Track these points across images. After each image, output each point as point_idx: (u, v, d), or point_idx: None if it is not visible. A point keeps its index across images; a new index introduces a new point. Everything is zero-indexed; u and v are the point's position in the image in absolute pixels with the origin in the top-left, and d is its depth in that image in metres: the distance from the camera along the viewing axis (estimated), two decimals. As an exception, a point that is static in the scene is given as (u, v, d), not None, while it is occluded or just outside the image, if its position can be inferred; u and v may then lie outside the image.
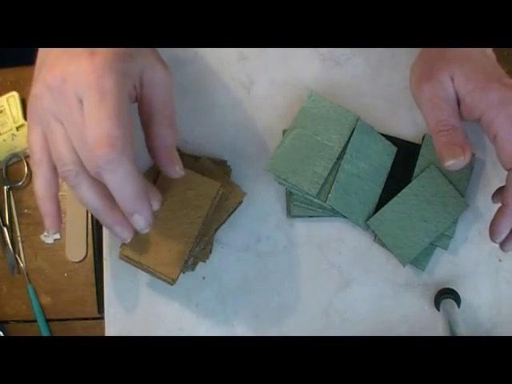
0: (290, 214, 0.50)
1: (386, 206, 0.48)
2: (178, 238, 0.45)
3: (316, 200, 0.48)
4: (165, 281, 0.46)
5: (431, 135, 0.43)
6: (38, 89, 0.38)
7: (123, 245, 0.48)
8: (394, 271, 0.50)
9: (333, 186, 0.47)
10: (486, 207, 0.50)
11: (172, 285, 0.46)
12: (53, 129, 0.37)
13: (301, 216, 0.50)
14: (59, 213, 0.40)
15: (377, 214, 0.48)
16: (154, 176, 0.48)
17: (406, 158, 0.50)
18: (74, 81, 0.36)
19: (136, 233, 0.46)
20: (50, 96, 0.37)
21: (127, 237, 0.40)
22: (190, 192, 0.46)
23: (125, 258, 0.46)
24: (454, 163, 0.41)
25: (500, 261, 0.49)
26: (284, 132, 0.51)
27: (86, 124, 0.35)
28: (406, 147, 0.51)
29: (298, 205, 0.49)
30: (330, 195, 0.47)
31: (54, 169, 0.39)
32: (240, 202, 0.50)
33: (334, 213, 0.49)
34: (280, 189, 0.51)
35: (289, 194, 0.50)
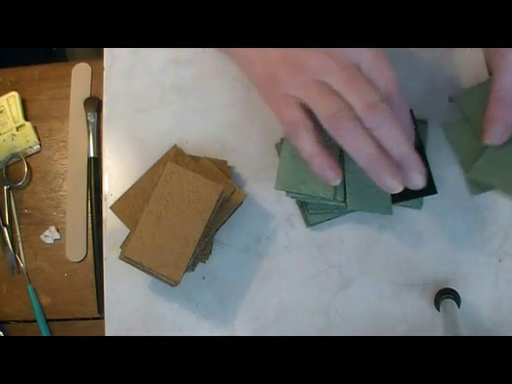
0: (308, 223, 0.50)
1: (482, 159, 0.47)
2: (181, 241, 0.45)
3: (332, 202, 0.47)
4: (167, 282, 0.46)
5: None
6: (284, 67, 0.43)
7: (124, 245, 0.48)
8: (394, 271, 0.50)
9: (346, 190, 0.47)
10: (487, 207, 0.50)
11: (174, 286, 0.46)
12: (315, 89, 0.41)
13: (319, 222, 0.50)
14: (336, 161, 0.42)
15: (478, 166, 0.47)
16: (156, 178, 0.48)
17: None
18: (348, 52, 0.42)
19: (137, 233, 0.46)
20: (311, 67, 0.42)
21: (397, 187, 0.41)
22: (193, 195, 0.46)
23: (126, 258, 0.46)
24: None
25: (500, 261, 0.49)
26: (277, 146, 0.51)
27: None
28: None
29: (313, 213, 0.49)
30: (347, 200, 0.47)
31: (315, 130, 0.42)
32: (240, 203, 0.50)
33: (351, 210, 0.49)
34: (280, 189, 0.51)
35: (302, 206, 0.50)
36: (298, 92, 0.42)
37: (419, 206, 0.49)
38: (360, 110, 0.40)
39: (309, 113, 0.42)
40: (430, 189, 0.49)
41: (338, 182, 0.42)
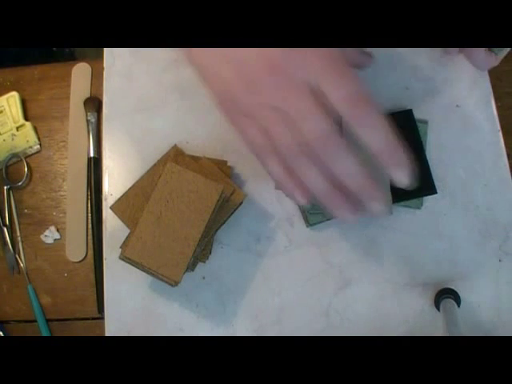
0: (308, 223, 0.50)
1: None
2: (181, 241, 0.45)
3: None
4: (167, 282, 0.46)
5: None
6: (239, 86, 0.39)
7: (124, 245, 0.48)
8: (394, 271, 0.50)
9: None
10: (486, 207, 0.50)
11: (174, 286, 0.46)
12: (269, 116, 0.39)
13: (319, 222, 0.50)
14: (304, 184, 0.40)
15: None
16: (156, 178, 0.48)
17: (401, 126, 0.50)
18: (302, 68, 0.37)
19: (137, 234, 0.46)
20: (266, 89, 0.38)
21: (350, 217, 0.40)
22: (193, 195, 0.46)
23: (126, 258, 0.46)
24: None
25: (500, 261, 0.49)
26: None
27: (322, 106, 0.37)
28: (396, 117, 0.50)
29: (313, 213, 0.49)
30: None
31: (279, 153, 0.40)
32: (240, 203, 0.50)
33: None
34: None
35: (302, 206, 0.50)
36: (255, 115, 0.40)
37: (419, 206, 0.49)
38: (311, 143, 0.38)
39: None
40: (429, 189, 0.49)
41: (306, 203, 0.41)
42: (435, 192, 0.49)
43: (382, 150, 0.37)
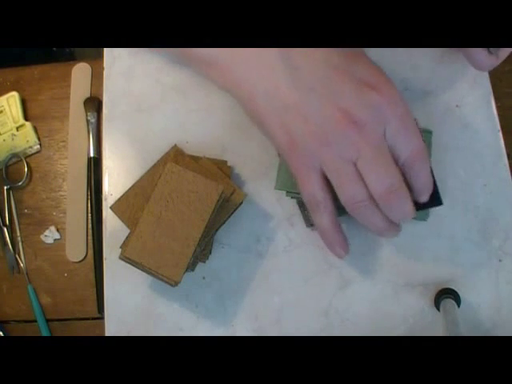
0: (309, 223, 0.49)
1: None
2: (182, 241, 0.45)
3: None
4: (167, 282, 0.46)
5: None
6: (309, 137, 0.41)
7: (124, 245, 0.48)
8: (394, 271, 0.50)
9: None
10: (486, 207, 0.50)
11: (174, 286, 0.46)
12: (342, 169, 0.41)
13: None
14: (346, 238, 0.46)
15: None
16: (156, 178, 0.48)
17: None
18: (382, 125, 0.40)
19: (137, 234, 0.46)
20: (343, 142, 0.40)
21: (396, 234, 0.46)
22: (193, 195, 0.46)
23: (126, 258, 0.46)
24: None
25: (500, 261, 0.49)
26: None
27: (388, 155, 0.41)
28: None
29: None
30: None
31: (334, 203, 0.43)
32: (240, 203, 0.50)
33: None
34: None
35: (302, 205, 0.49)
36: (321, 165, 0.42)
37: (425, 218, 0.49)
38: (378, 197, 0.41)
39: (329, 185, 0.43)
40: (435, 200, 0.48)
41: (344, 256, 0.46)
42: (441, 203, 0.48)
43: (422, 189, 0.44)
